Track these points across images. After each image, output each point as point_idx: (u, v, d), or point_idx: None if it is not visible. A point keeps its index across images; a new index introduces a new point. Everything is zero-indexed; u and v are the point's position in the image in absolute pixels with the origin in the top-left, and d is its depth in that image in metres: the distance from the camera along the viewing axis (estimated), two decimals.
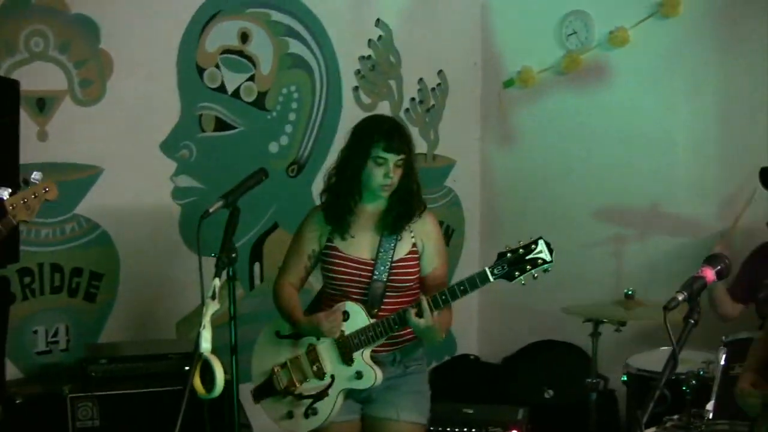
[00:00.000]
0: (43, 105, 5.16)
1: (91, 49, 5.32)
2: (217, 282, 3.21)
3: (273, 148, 6.09)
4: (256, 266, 6.06)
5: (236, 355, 3.61)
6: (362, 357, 3.85)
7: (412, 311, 3.73)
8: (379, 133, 3.88)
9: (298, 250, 4.13)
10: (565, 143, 6.81)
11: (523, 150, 7.07)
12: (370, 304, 3.89)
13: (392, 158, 3.85)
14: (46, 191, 3.68)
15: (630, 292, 5.23)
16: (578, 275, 6.26)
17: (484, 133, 7.29)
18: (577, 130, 6.76)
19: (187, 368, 4.72)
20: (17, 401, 4.78)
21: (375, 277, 3.89)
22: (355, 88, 6.49)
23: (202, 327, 3.11)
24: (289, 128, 6.15)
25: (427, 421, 4.14)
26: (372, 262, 3.92)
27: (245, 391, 4.16)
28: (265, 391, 4.09)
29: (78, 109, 5.28)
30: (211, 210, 3.53)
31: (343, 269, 3.96)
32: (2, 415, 4.80)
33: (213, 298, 3.20)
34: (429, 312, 3.71)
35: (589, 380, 5.26)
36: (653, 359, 5.12)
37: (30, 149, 4.88)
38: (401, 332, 3.91)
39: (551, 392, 6.20)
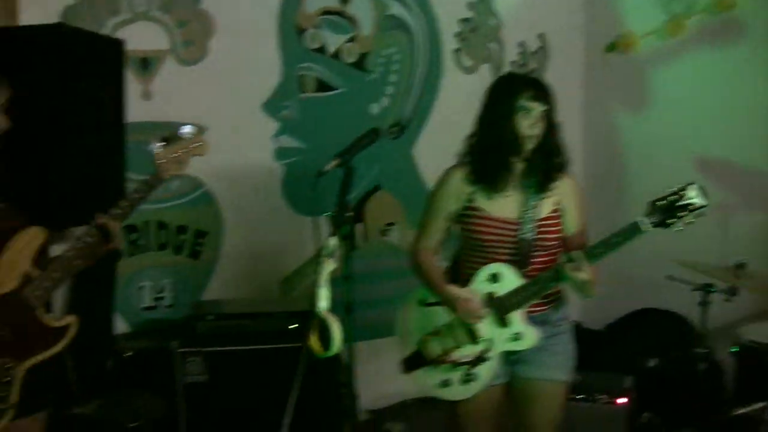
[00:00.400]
0: (146, 64, 5.21)
1: (192, 10, 5.35)
2: (332, 241, 3.12)
3: (374, 109, 6.05)
4: (359, 226, 6.03)
5: (351, 313, 3.55)
6: (519, 318, 3.73)
7: (570, 265, 3.58)
8: (524, 84, 3.74)
9: (435, 213, 3.93)
10: (673, 112, 6.57)
11: (628, 117, 6.88)
12: (519, 264, 3.74)
13: (538, 108, 3.68)
14: (197, 145, 3.58)
15: (742, 262, 4.95)
16: (683, 243, 6.05)
17: (586, 98, 7.13)
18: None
19: (291, 327, 4.88)
20: (126, 354, 4.85)
21: (521, 236, 3.74)
22: (456, 51, 6.41)
23: (319, 286, 3.04)
24: (389, 90, 6.10)
25: (572, 379, 3.99)
26: (517, 221, 3.75)
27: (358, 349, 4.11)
28: (416, 361, 3.92)
29: (180, 69, 5.32)
30: (326, 168, 3.42)
31: (488, 230, 3.77)
32: (112, 368, 4.88)
33: (329, 256, 3.12)
34: (586, 265, 3.58)
35: (698, 350, 5.13)
36: (766, 331, 4.98)
37: (134, 108, 4.89)
38: (551, 291, 3.80)
39: (655, 361, 6.03)
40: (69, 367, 4.46)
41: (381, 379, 5.24)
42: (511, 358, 3.83)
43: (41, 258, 3.31)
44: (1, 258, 3.17)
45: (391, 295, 5.90)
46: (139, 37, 5.09)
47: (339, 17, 5.86)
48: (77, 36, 4.39)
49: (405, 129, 6.16)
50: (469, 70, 6.45)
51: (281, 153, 5.70)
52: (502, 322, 3.74)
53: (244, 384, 4.77)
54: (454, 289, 3.77)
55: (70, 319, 3.35)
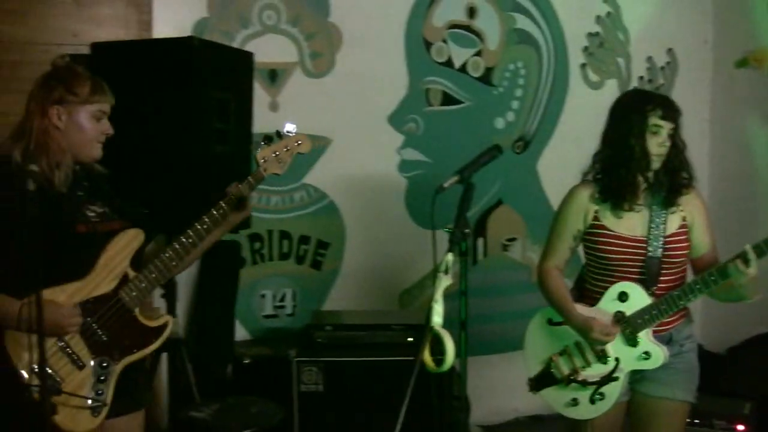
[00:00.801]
0: (274, 76, 5.25)
1: (320, 23, 5.38)
2: (450, 257, 3.07)
3: (499, 124, 5.97)
4: (480, 241, 5.96)
5: (465, 330, 3.50)
6: (647, 337, 3.67)
7: (739, 261, 3.46)
8: (655, 102, 3.66)
9: (562, 232, 3.88)
10: None
11: (758, 133, 6.64)
12: (647, 283, 3.68)
13: (667, 126, 3.64)
14: (298, 144, 3.54)
15: None
16: None
17: (713, 114, 6.91)
18: None
19: (410, 339, 4.84)
20: (245, 361, 4.90)
21: (650, 253, 3.67)
22: (583, 66, 6.28)
23: (434, 301, 2.99)
24: (515, 104, 6.01)
25: (695, 399, 3.88)
26: (644, 238, 3.69)
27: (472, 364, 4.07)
28: (544, 380, 3.89)
29: (308, 81, 5.36)
30: (446, 185, 3.36)
31: (615, 248, 3.72)
32: (231, 374, 4.92)
33: (446, 272, 3.07)
34: (755, 261, 3.44)
35: None
36: None
37: (262, 119, 4.93)
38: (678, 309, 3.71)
39: None
40: (189, 371, 4.53)
41: (495, 395, 5.18)
42: (635, 375, 3.77)
43: (138, 259, 3.34)
44: (100, 259, 3.20)
45: (509, 310, 5.86)
46: (268, 50, 5.16)
47: (466, 31, 5.80)
48: (207, 48, 4.45)
49: (529, 144, 6.07)
50: (595, 86, 6.31)
51: (405, 166, 5.67)
52: (631, 341, 3.68)
53: (358, 395, 4.74)
54: (583, 311, 3.73)
55: (166, 319, 3.36)
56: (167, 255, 3.30)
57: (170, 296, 4.60)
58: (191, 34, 4.88)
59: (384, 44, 5.56)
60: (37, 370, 2.92)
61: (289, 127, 3.54)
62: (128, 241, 3.29)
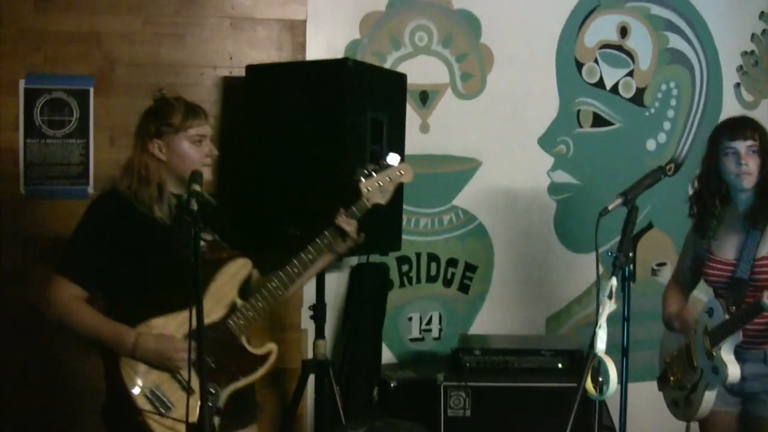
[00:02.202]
0: (425, 98, 5.17)
1: (472, 44, 5.28)
2: (614, 281, 2.97)
3: (650, 145, 5.74)
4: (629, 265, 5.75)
5: (627, 357, 3.36)
6: (720, 352, 3.65)
7: None
8: (723, 126, 3.81)
9: (684, 251, 4.12)
10: None
11: None
12: (730, 301, 3.68)
13: (740, 145, 3.68)
14: (401, 174, 3.55)
15: None
16: None
17: None
18: None
19: (560, 365, 4.77)
20: (392, 384, 4.80)
21: (736, 275, 3.70)
22: (737, 85, 6.00)
23: (598, 327, 2.90)
24: (667, 125, 5.78)
25: None
26: (734, 261, 3.73)
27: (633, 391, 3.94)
28: (663, 380, 4.07)
29: (458, 102, 5.27)
30: (610, 207, 3.30)
31: (710, 270, 3.82)
32: (377, 397, 4.85)
33: (610, 297, 2.97)
34: None
35: None
36: None
37: (413, 141, 4.88)
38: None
39: None
40: (336, 393, 4.48)
41: (642, 423, 4.99)
42: (737, 389, 3.76)
43: (246, 288, 3.39)
44: (210, 288, 3.23)
45: (656, 337, 5.63)
46: (420, 71, 5.09)
47: (618, 51, 5.62)
48: (362, 70, 4.44)
49: (681, 166, 5.83)
50: (750, 106, 6.03)
51: (555, 188, 5.51)
52: (708, 354, 3.71)
53: (506, 420, 4.63)
54: (680, 312, 3.96)
55: (270, 348, 3.38)
56: (273, 284, 3.33)
57: (319, 318, 4.56)
58: (344, 56, 4.83)
59: (535, 65, 5.42)
60: (149, 395, 3.07)
61: (392, 158, 3.54)
62: (237, 270, 3.34)
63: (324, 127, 4.22)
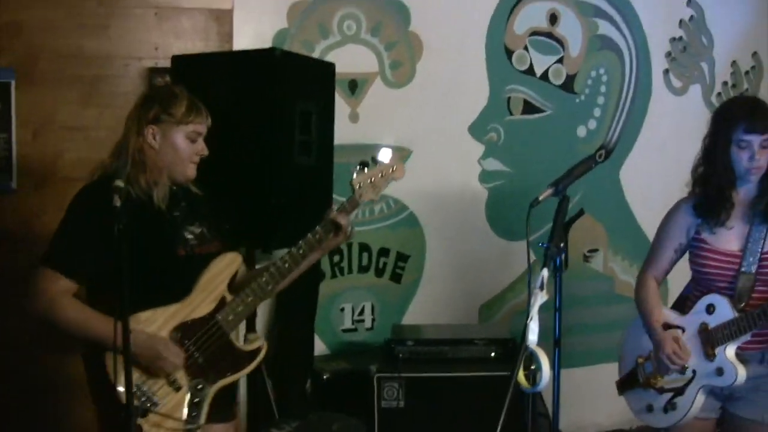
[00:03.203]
0: (354, 87, 5.10)
1: (401, 32, 5.21)
2: (545, 272, 2.93)
3: (581, 132, 5.74)
4: None
5: (559, 347, 3.34)
6: (725, 353, 3.50)
7: None
8: (739, 115, 3.51)
9: (663, 244, 3.81)
10: None
11: None
12: (737, 298, 3.52)
13: (755, 139, 3.46)
14: (393, 171, 3.49)
15: None
16: None
17: None
18: None
19: (494, 354, 4.77)
20: (324, 376, 4.76)
21: (743, 269, 3.52)
22: (666, 71, 6.02)
23: (529, 319, 2.86)
24: (597, 112, 5.78)
25: None
26: (740, 253, 3.54)
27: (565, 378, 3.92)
28: (628, 382, 3.86)
29: (388, 91, 5.21)
30: (540, 198, 3.24)
31: (710, 262, 3.60)
32: (310, 389, 4.80)
33: (541, 288, 2.93)
34: None
35: None
36: None
37: (342, 130, 4.81)
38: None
39: None
40: (269, 387, 4.43)
41: (576, 409, 5.02)
42: (724, 393, 3.61)
43: (234, 283, 3.33)
44: (199, 282, 3.18)
45: (591, 322, 5.68)
46: (348, 60, 5.00)
47: (548, 38, 5.59)
48: (290, 59, 4.34)
49: (612, 152, 5.84)
50: (678, 92, 6.07)
51: (486, 176, 5.48)
52: (708, 354, 3.55)
53: (441, 411, 4.60)
54: (674, 319, 3.69)
55: (260, 343, 3.34)
56: (264, 279, 3.27)
57: None
58: (272, 46, 4.74)
59: (465, 53, 5.37)
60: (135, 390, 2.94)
61: (384, 154, 3.49)
62: (227, 264, 3.28)
63: (252, 118, 4.14)
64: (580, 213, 5.76)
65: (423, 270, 5.39)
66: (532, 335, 2.86)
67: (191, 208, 3.31)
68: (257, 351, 3.31)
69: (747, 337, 3.47)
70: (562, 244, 3.11)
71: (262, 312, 4.88)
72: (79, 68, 4.50)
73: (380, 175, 3.46)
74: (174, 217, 3.22)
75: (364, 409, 4.58)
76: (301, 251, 3.32)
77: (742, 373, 3.47)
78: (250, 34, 4.83)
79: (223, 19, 4.77)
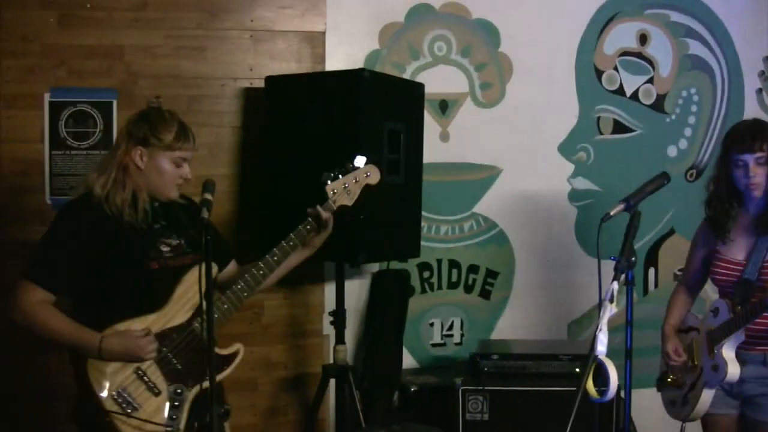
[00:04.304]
0: (445, 107, 5.14)
1: (490, 53, 5.23)
2: (615, 285, 2.94)
3: (671, 152, 5.66)
4: (651, 271, 5.69)
5: (631, 359, 3.33)
6: (722, 351, 3.71)
7: None
8: (735, 137, 3.74)
9: (690, 258, 4.12)
10: None
11: None
12: (736, 301, 3.71)
13: (749, 158, 3.67)
14: (367, 176, 3.55)
15: None
16: None
17: None
18: None
19: (578, 370, 4.66)
20: (412, 389, 4.78)
21: (745, 276, 3.71)
22: (758, 91, 5.90)
23: (598, 330, 2.87)
24: (688, 132, 5.70)
25: None
26: (743, 262, 3.73)
27: (637, 396, 3.90)
28: (661, 380, 4.07)
29: (478, 111, 5.23)
30: (611, 213, 3.27)
31: (720, 270, 3.82)
32: (398, 402, 4.84)
33: (611, 301, 2.95)
34: None
35: None
36: None
37: (432, 149, 4.88)
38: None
39: None
40: (356, 398, 4.48)
41: (658, 428, 4.95)
42: (734, 391, 3.78)
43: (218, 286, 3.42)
44: (175, 293, 3.25)
45: None
46: (439, 81, 5.07)
47: (637, 58, 5.54)
48: (378, 79, 4.41)
49: (702, 172, 5.76)
50: None
51: (575, 195, 5.45)
52: (709, 351, 3.77)
53: (524, 424, 4.58)
54: (670, 338, 4.01)
55: (237, 347, 3.37)
56: (239, 287, 3.34)
57: (339, 323, 4.56)
58: (363, 67, 4.83)
59: (555, 73, 5.36)
60: (116, 396, 3.09)
61: (359, 160, 3.54)
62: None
63: (341, 137, 4.21)
64: (671, 232, 5.69)
65: (512, 287, 5.38)
66: (601, 346, 2.89)
67: (171, 221, 3.37)
68: (234, 355, 3.35)
69: (741, 335, 3.66)
70: (633, 258, 3.13)
71: (353, 326, 4.95)
72: (176, 88, 4.66)
73: (354, 180, 3.53)
74: (152, 230, 3.29)
75: (449, 421, 4.57)
76: (275, 258, 3.38)
77: (732, 370, 3.68)
78: (343, 56, 4.93)
79: (317, 41, 4.89)
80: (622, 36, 5.52)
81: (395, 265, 4.90)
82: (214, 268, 3.34)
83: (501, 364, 4.71)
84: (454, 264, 5.26)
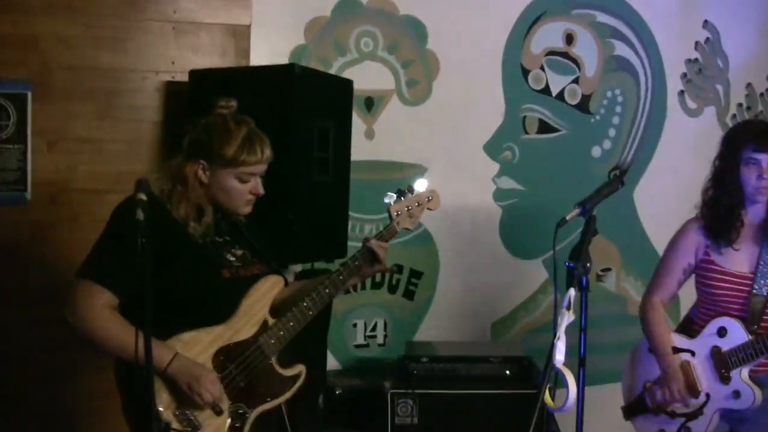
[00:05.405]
0: (371, 104, 5.07)
1: (418, 50, 5.18)
2: (572, 292, 2.89)
3: (596, 152, 5.67)
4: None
5: (584, 367, 3.30)
6: (740, 375, 3.53)
7: None
8: (749, 135, 3.57)
9: (672, 266, 3.81)
10: None
11: None
12: (749, 320, 3.54)
13: (764, 158, 3.52)
14: (429, 200, 3.50)
15: None
16: None
17: None
18: None
19: (508, 372, 4.74)
20: (337, 392, 4.72)
21: (755, 291, 3.55)
22: (681, 93, 5.96)
23: (556, 338, 2.81)
24: (612, 132, 5.72)
25: None
26: (751, 275, 3.56)
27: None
28: (637, 407, 3.84)
29: (404, 109, 5.17)
30: (567, 218, 3.23)
31: (720, 284, 3.63)
32: (323, 405, 4.75)
33: (569, 309, 2.90)
34: None
35: None
36: None
37: (358, 147, 4.78)
38: None
39: None
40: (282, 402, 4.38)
41: (586, 429, 4.96)
42: (733, 416, 3.61)
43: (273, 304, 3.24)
44: (242, 305, 3.07)
45: (603, 342, 5.60)
46: (365, 77, 4.99)
47: (564, 58, 5.54)
48: (308, 76, 4.30)
49: (626, 172, 5.79)
50: (693, 113, 5.99)
51: (501, 194, 5.43)
52: (723, 378, 3.57)
53: (454, 428, 4.56)
54: (682, 342, 3.69)
55: (300, 369, 3.26)
56: (305, 304, 3.18)
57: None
58: (289, 62, 4.72)
59: (481, 72, 5.32)
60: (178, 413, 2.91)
61: (420, 184, 3.49)
62: (270, 287, 3.19)
63: (270, 134, 4.08)
64: (594, 233, 5.70)
65: (436, 287, 5.34)
66: (559, 355, 2.83)
67: (234, 231, 3.21)
68: (297, 376, 3.24)
69: (761, 359, 3.49)
70: (588, 264, 3.07)
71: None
72: (95, 81, 4.47)
73: (417, 204, 3.46)
74: (217, 240, 3.12)
75: (377, 425, 4.54)
76: (341, 277, 3.25)
77: (759, 395, 3.49)
78: (267, 51, 4.80)
79: (241, 34, 4.73)
80: (549, 35, 5.51)
81: (319, 265, 4.80)
82: (281, 285, 3.23)
83: (431, 366, 4.71)
84: None
